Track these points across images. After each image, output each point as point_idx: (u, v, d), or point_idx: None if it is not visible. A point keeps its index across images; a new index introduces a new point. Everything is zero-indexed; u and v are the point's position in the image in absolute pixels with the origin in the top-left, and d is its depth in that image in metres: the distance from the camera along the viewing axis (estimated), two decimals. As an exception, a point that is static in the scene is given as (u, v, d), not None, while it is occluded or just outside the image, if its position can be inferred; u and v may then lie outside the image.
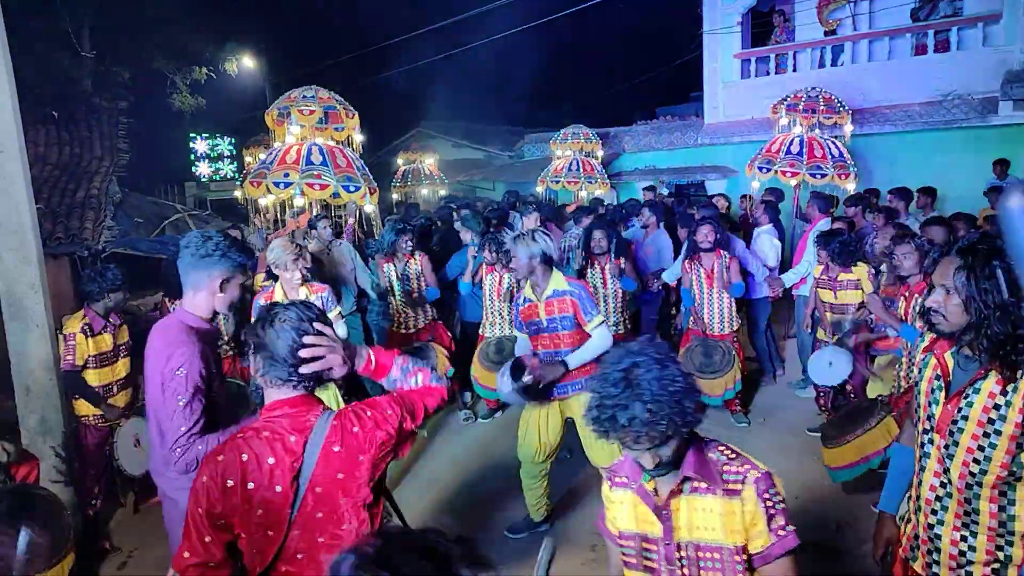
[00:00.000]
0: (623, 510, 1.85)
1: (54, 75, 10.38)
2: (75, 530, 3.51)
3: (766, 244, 6.55)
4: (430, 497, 4.59)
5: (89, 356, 4.05)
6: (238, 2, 17.07)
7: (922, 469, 2.02)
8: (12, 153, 4.03)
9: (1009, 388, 1.81)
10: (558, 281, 3.75)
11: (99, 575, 3.90)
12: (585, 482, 4.51)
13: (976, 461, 1.86)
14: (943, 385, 1.96)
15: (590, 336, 3.70)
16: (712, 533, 1.70)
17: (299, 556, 1.77)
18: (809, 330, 5.86)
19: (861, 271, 5.08)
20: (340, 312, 4.54)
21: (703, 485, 1.70)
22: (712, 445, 1.76)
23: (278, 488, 1.74)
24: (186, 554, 1.72)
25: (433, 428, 5.75)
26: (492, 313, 5.69)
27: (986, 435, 1.84)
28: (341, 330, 4.11)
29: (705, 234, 5.45)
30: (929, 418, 1.99)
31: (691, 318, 5.74)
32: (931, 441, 1.98)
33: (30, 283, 4.12)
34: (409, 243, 5.59)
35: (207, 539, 1.73)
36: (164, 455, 2.41)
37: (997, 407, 1.82)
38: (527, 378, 3.45)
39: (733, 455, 1.73)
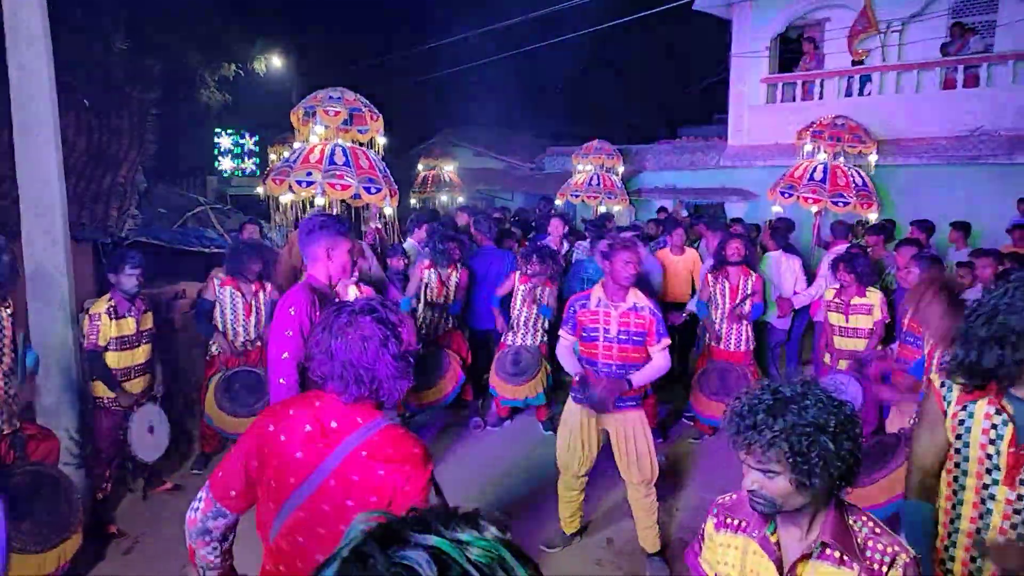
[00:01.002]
0: (729, 555, 1.70)
1: (87, 64, 10.53)
2: (84, 512, 3.54)
3: (783, 267, 6.50)
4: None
5: (112, 338, 4.10)
6: (270, 1, 17.29)
7: (985, 526, 1.94)
8: (47, 138, 4.09)
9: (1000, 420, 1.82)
10: (638, 295, 3.75)
11: (105, 558, 3.91)
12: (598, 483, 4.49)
13: None
14: (1008, 432, 1.87)
15: (651, 357, 3.75)
16: None
17: (300, 539, 1.74)
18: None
19: (875, 296, 5.05)
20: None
21: (837, 555, 1.55)
22: (855, 514, 1.61)
23: (299, 455, 1.74)
24: (228, 489, 1.79)
25: (443, 435, 5.75)
26: (518, 322, 5.68)
27: None
28: None
29: (736, 248, 5.42)
30: (990, 470, 1.89)
31: (708, 334, 5.73)
32: (993, 496, 1.90)
33: (56, 265, 4.17)
34: (456, 252, 5.67)
35: (236, 480, 1.79)
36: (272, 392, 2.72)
37: (994, 426, 1.83)
38: (592, 393, 3.61)
39: (879, 530, 1.57)
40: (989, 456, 1.89)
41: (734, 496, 1.75)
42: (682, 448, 5.65)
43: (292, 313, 2.72)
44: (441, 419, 5.86)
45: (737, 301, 5.44)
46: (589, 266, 6.15)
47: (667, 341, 3.73)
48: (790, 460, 1.46)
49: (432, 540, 0.65)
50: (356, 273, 4.33)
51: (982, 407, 1.92)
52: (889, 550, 1.52)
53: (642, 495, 3.85)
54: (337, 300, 2.97)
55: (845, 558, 1.53)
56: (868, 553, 1.53)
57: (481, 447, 5.55)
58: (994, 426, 1.88)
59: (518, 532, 4.20)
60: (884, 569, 1.50)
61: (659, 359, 3.73)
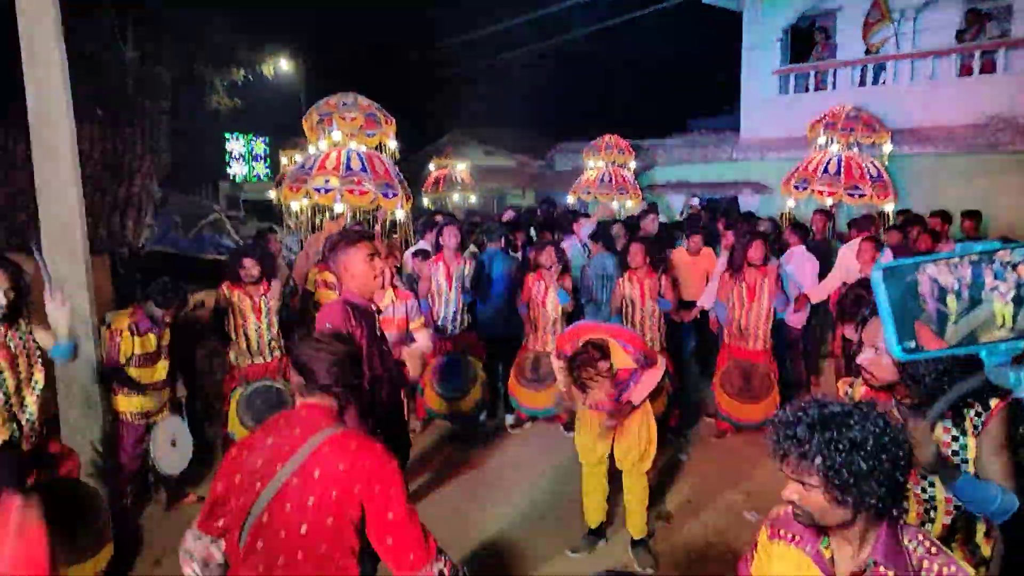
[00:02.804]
0: (782, 567, 1.71)
1: (99, 75, 10.60)
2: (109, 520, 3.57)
3: (805, 264, 6.42)
4: (464, 512, 4.57)
5: (133, 354, 4.11)
6: (277, 5, 17.32)
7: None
8: (66, 157, 4.12)
9: (958, 420, 1.99)
10: (619, 357, 3.66)
11: (134, 571, 3.93)
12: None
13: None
14: None
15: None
16: None
17: (260, 545, 1.83)
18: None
19: None
20: (423, 321, 4.59)
21: (889, 574, 1.52)
22: (910, 532, 1.58)
23: (259, 462, 1.85)
24: (206, 514, 1.96)
25: (463, 438, 5.73)
26: (536, 325, 5.64)
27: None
28: (423, 339, 4.14)
29: (758, 249, 5.36)
30: None
31: (725, 331, 5.68)
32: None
33: (78, 282, 4.19)
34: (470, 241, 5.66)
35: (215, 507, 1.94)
36: None
37: (955, 438, 2.00)
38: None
39: (935, 550, 1.54)
40: None
41: (788, 509, 1.72)
42: (703, 447, 5.61)
43: (328, 328, 2.80)
44: (459, 424, 5.85)
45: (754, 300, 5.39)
46: (607, 261, 6.10)
47: (663, 362, 3.88)
48: (823, 475, 1.47)
49: None
50: (387, 280, 4.36)
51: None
52: (945, 571, 1.49)
53: (635, 481, 3.93)
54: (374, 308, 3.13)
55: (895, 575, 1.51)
56: (923, 574, 1.50)
57: (502, 451, 5.54)
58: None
59: (543, 534, 4.20)
60: None
61: (655, 373, 3.78)
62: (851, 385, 2.35)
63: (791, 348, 6.49)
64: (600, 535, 4.14)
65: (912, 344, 0.75)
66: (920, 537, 1.56)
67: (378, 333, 3.12)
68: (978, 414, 1.99)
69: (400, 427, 3.41)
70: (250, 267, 4.83)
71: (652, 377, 3.76)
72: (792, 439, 1.50)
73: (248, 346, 4.90)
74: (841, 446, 1.44)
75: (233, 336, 4.88)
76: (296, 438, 1.84)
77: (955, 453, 1.99)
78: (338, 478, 1.77)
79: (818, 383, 6.99)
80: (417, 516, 1.83)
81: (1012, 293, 0.73)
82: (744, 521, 4.43)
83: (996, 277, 0.74)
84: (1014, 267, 0.74)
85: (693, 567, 3.95)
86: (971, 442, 1.97)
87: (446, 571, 1.82)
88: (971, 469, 1.96)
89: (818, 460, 1.46)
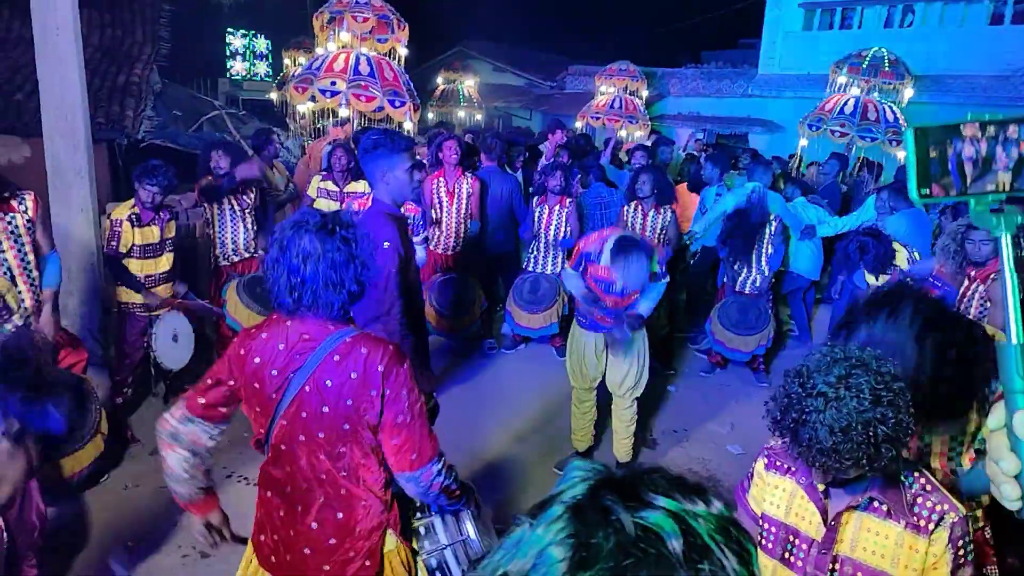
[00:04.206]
0: (776, 495, 1.72)
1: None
2: (106, 419, 3.58)
3: (810, 210, 6.34)
4: (456, 426, 4.66)
5: (134, 245, 4.04)
6: None
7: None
8: (67, 33, 3.95)
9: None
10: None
11: (123, 460, 3.99)
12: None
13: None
14: None
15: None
16: (879, 560, 1.55)
17: (283, 448, 1.85)
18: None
19: (901, 255, 4.93)
20: (426, 237, 4.54)
21: (885, 509, 1.55)
22: (908, 468, 1.58)
23: (274, 372, 1.81)
24: (200, 399, 1.90)
25: (458, 357, 5.80)
26: (537, 247, 5.64)
27: None
28: (419, 253, 4.08)
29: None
30: None
31: (727, 272, 5.69)
32: None
33: (77, 168, 4.11)
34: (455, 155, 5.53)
35: (213, 393, 1.90)
36: (382, 319, 2.83)
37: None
38: (615, 337, 3.71)
39: (930, 487, 1.55)
40: None
41: (780, 442, 1.73)
42: (693, 380, 5.71)
43: (387, 246, 2.78)
44: (455, 341, 5.90)
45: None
46: (603, 190, 6.00)
47: (666, 280, 3.81)
48: (829, 474, 1.48)
49: (669, 504, 0.60)
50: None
51: None
52: (938, 508, 1.52)
53: (625, 406, 4.00)
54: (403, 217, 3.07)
55: (892, 512, 1.54)
56: (916, 509, 1.53)
57: (496, 370, 5.61)
58: None
59: (531, 451, 4.31)
60: (931, 527, 1.51)
61: (658, 288, 3.79)
62: None
63: (793, 295, 6.53)
64: (587, 457, 4.24)
65: (927, 191, 0.86)
66: (916, 475, 1.57)
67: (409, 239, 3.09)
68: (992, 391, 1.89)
69: (424, 332, 3.40)
70: (217, 159, 4.76)
71: (658, 290, 3.78)
72: (833, 469, 1.44)
73: (234, 246, 4.92)
74: (854, 433, 1.38)
75: (219, 238, 4.88)
76: (305, 345, 1.81)
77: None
78: (351, 385, 1.76)
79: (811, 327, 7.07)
80: (425, 416, 1.85)
81: (1012, 163, 0.86)
82: (727, 453, 4.56)
83: (1005, 151, 0.87)
84: (1017, 143, 0.86)
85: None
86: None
87: (444, 471, 1.87)
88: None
89: (852, 471, 1.43)
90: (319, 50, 7.14)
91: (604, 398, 4.11)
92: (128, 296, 4.14)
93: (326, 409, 1.78)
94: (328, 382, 1.77)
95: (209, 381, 1.91)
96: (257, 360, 1.83)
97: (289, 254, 1.75)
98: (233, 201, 4.88)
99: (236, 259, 4.98)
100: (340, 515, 1.85)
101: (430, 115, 13.97)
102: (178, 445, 1.89)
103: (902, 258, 4.81)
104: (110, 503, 3.61)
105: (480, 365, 5.68)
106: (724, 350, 5.54)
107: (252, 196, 4.99)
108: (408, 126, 7.17)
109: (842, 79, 9.01)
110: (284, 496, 1.89)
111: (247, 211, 4.94)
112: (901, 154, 8.65)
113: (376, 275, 2.61)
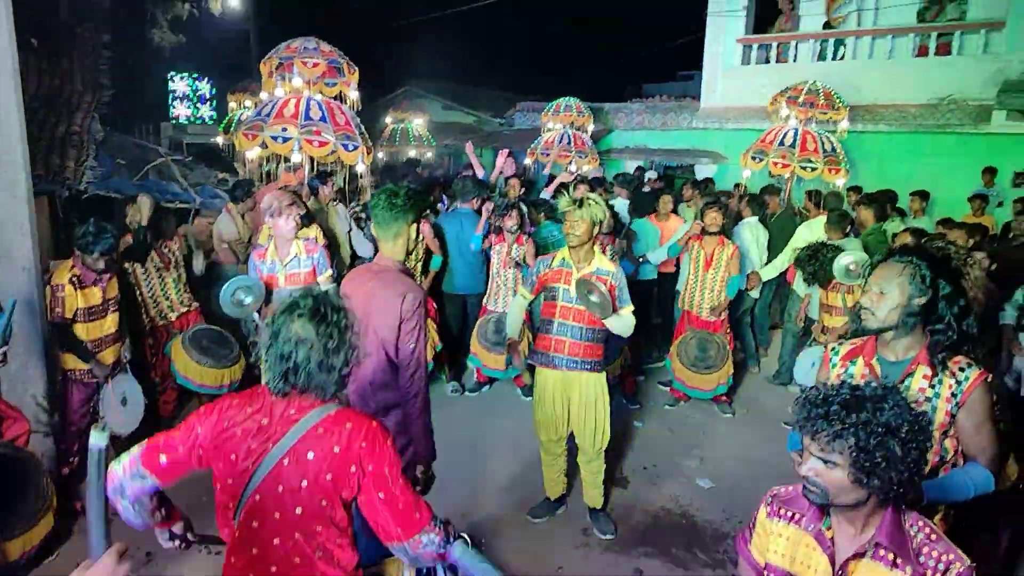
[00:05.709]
0: (779, 544, 1.72)
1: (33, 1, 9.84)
2: (51, 490, 3.38)
3: (748, 237, 6.51)
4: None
5: (78, 309, 3.85)
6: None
7: None
8: (6, 78, 3.77)
9: (935, 381, 2.09)
10: (602, 260, 3.69)
11: (71, 534, 3.76)
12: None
13: None
14: None
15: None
16: None
17: (254, 524, 1.76)
18: (801, 323, 5.93)
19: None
20: (331, 275, 4.43)
21: (891, 557, 1.56)
22: (912, 518, 1.62)
23: (253, 444, 1.74)
24: (162, 456, 1.79)
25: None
26: (498, 285, 5.61)
27: None
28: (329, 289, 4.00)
29: (713, 218, 5.42)
30: None
31: (680, 299, 5.82)
32: None
33: (18, 223, 3.90)
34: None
35: (178, 455, 1.79)
36: (403, 386, 2.74)
37: (928, 399, 2.09)
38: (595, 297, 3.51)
39: (935, 537, 1.58)
40: None
41: (790, 489, 1.77)
42: (657, 414, 5.71)
43: (419, 309, 2.73)
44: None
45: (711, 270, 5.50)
46: (555, 228, 6.00)
47: (629, 308, 3.66)
48: (853, 454, 1.49)
49: None
50: (299, 220, 4.27)
51: (860, 367, 2.24)
52: (944, 557, 1.53)
53: (591, 460, 3.95)
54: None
55: (898, 561, 1.54)
56: (922, 559, 1.54)
57: (460, 414, 5.52)
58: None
59: (503, 500, 4.22)
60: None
61: (628, 316, 3.65)
62: (838, 344, 2.40)
63: (740, 318, 6.67)
64: (561, 503, 4.19)
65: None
66: (920, 523, 1.60)
67: None
68: (957, 382, 2.07)
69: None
70: (132, 214, 4.84)
71: (628, 323, 3.65)
72: (824, 417, 1.52)
73: (168, 303, 4.90)
74: (877, 429, 1.47)
75: (150, 297, 4.82)
76: (288, 418, 1.74)
77: (928, 400, 2.09)
78: (333, 461, 1.70)
79: (766, 354, 7.20)
80: (410, 488, 1.78)
81: None
82: (697, 488, 4.55)
83: None
84: None
85: (649, 532, 4.04)
86: (942, 405, 2.07)
87: (437, 539, 1.78)
88: (939, 419, 2.08)
89: (851, 440, 1.48)
90: (264, 95, 7.04)
91: (573, 443, 4.04)
92: (74, 363, 3.93)
93: (305, 483, 1.71)
94: (310, 454, 1.71)
95: (177, 440, 1.80)
96: (237, 432, 1.76)
97: (280, 339, 1.72)
98: (156, 257, 4.80)
99: (173, 316, 4.92)
100: None
101: (380, 154, 13.90)
102: (121, 499, 1.78)
103: None
104: (59, 583, 3.38)
105: (445, 409, 5.56)
106: (685, 388, 5.59)
107: (174, 246, 4.98)
108: (360, 168, 7.10)
109: (784, 111, 9.32)
110: None
111: (172, 265, 4.91)
112: (840, 181, 8.96)
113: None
